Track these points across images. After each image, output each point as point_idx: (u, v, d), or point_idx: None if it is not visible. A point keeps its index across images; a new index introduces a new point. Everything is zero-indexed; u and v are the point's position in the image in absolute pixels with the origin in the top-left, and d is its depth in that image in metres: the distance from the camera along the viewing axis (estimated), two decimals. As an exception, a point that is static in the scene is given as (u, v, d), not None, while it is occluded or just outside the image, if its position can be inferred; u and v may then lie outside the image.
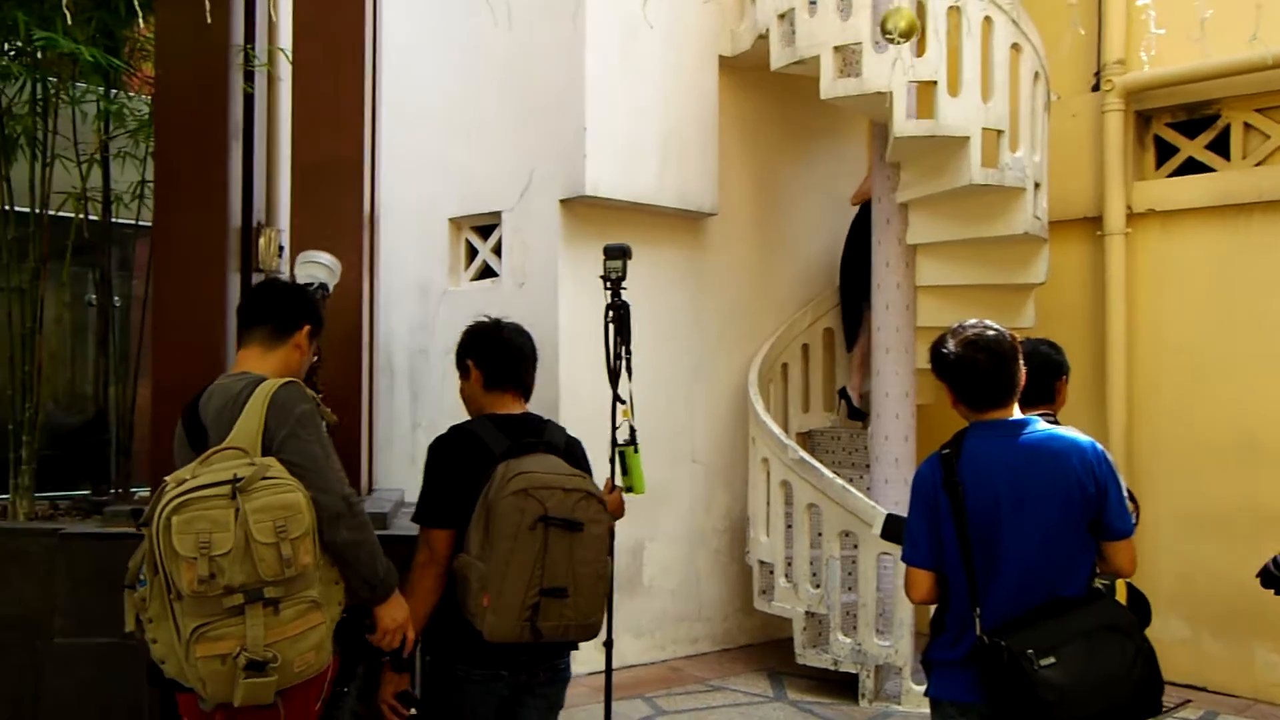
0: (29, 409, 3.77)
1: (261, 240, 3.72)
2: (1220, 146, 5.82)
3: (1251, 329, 5.44)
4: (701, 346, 6.08)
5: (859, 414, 6.36)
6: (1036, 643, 2.31)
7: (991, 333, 2.52)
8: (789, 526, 5.49)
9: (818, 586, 5.32)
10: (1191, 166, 5.90)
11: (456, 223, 6.14)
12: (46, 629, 3.27)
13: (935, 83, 5.11)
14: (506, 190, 5.75)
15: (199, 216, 3.51)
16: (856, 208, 6.32)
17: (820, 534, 5.28)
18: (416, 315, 6.31)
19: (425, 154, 6.23)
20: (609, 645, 3.71)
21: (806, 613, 5.32)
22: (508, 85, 5.78)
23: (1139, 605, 2.82)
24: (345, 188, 4.20)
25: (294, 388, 2.35)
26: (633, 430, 3.53)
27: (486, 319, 2.95)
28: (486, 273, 6.08)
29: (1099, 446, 2.51)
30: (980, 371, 2.49)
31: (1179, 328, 5.73)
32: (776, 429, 5.51)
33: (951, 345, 2.53)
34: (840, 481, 5.16)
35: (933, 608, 2.61)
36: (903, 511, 5.09)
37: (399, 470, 6.40)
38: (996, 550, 2.41)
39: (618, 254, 3.81)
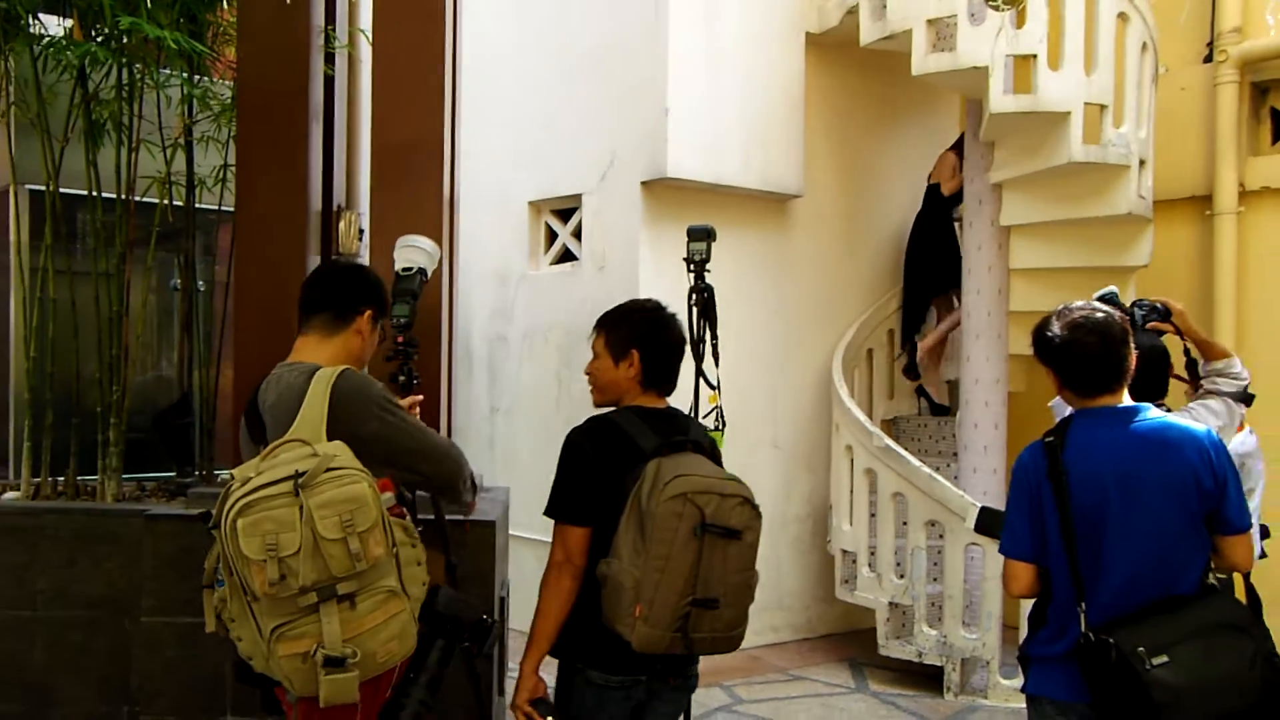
0: (116, 392, 3.81)
1: (341, 224, 3.70)
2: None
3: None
4: (784, 331, 5.95)
5: (942, 409, 6.16)
6: (1148, 640, 2.17)
7: (1100, 314, 2.38)
8: (873, 515, 5.34)
9: (902, 577, 5.17)
10: (1313, 142, 5.56)
11: (536, 206, 6.11)
12: (134, 608, 3.32)
13: (1035, 56, 4.87)
14: (587, 173, 5.69)
15: (280, 200, 3.49)
16: (934, 191, 6.11)
17: (905, 523, 5.12)
18: (495, 300, 6.31)
19: (504, 137, 6.21)
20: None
21: (890, 603, 5.17)
22: (589, 67, 5.71)
23: (1253, 604, 2.64)
24: (425, 171, 4.17)
25: (354, 373, 2.26)
26: (720, 413, 3.46)
27: (649, 303, 2.62)
28: (566, 256, 6.04)
29: (1216, 435, 2.35)
30: (1088, 356, 2.35)
31: (1295, 314, 5.41)
32: (861, 416, 5.36)
33: (1057, 328, 2.40)
34: (927, 470, 5.00)
35: (1029, 601, 2.49)
36: (992, 502, 4.98)
37: (477, 457, 6.42)
38: (1103, 543, 2.29)
39: (702, 235, 3.72)
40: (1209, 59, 5.71)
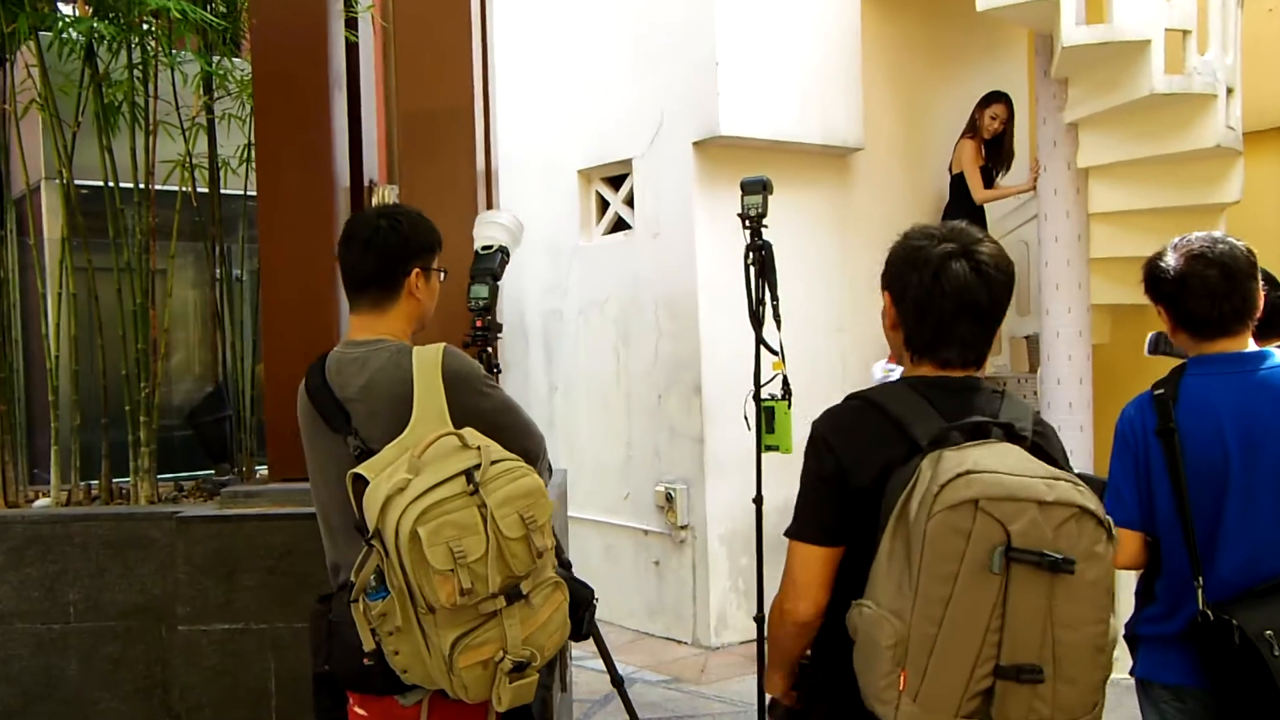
0: (145, 388, 3.62)
1: (374, 199, 3.51)
2: None
3: None
4: (848, 292, 5.70)
5: None
6: (1277, 622, 1.93)
7: (1224, 245, 2.09)
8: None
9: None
10: None
11: (586, 174, 5.91)
12: (170, 616, 3.14)
13: (1107, -17, 4.56)
14: (636, 136, 5.47)
15: (303, 176, 3.27)
16: (959, 181, 5.77)
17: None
18: (548, 275, 6.13)
19: (549, 104, 6.02)
20: (760, 620, 3.47)
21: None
22: (631, 23, 5.49)
23: None
24: (457, 140, 3.96)
25: (457, 352, 2.10)
26: (786, 383, 3.22)
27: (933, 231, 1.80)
28: (619, 226, 5.84)
29: None
30: (1209, 291, 2.07)
31: (1401, 245, 5.05)
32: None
33: (1173, 260, 2.12)
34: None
35: (1137, 573, 2.24)
36: (1079, 464, 4.69)
37: (538, 434, 6.27)
38: (1223, 509, 2.03)
39: (757, 188, 3.49)
40: (1295, -23, 5.35)
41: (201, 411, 4.21)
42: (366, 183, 3.54)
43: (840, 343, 5.65)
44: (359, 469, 1.89)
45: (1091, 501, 1.52)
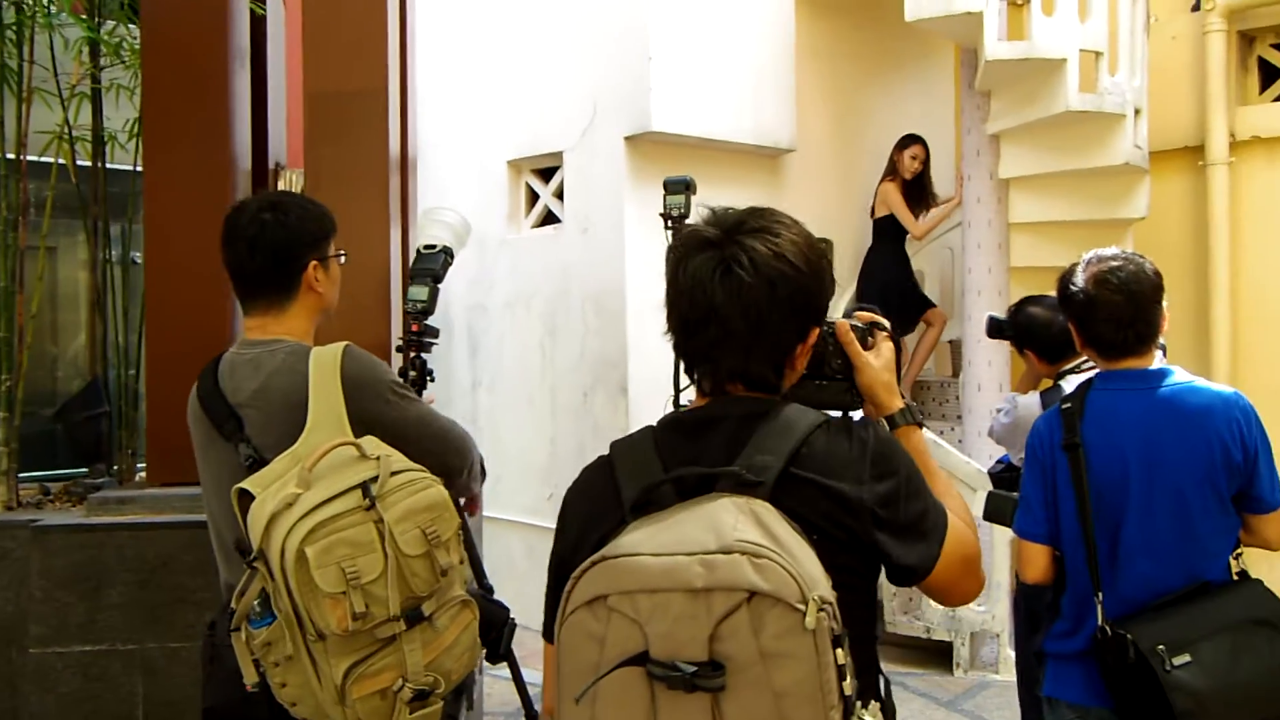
0: (6, 380, 3.32)
1: (280, 183, 3.35)
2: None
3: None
4: (776, 293, 5.74)
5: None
6: (1169, 636, 1.94)
7: (1131, 266, 2.11)
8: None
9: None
10: (1299, 90, 5.51)
11: (515, 165, 5.83)
12: (21, 637, 2.85)
13: (1028, 1, 4.73)
14: (568, 129, 5.43)
15: (198, 155, 3.04)
16: (882, 225, 5.81)
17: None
18: (474, 267, 6.02)
19: (480, 92, 5.92)
20: None
21: (899, 574, 5.00)
22: (566, 13, 5.44)
23: None
24: (369, 123, 3.78)
25: (358, 353, 1.94)
26: None
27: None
28: (549, 219, 5.78)
29: (1247, 402, 2.11)
30: (1114, 317, 2.10)
31: (1290, 262, 5.35)
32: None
33: (1081, 279, 2.14)
34: (931, 435, 4.84)
35: (1047, 589, 2.25)
36: (999, 465, 4.83)
37: (459, 430, 6.15)
38: (1122, 524, 2.06)
39: (680, 187, 3.45)
40: (1196, 7, 5.63)
41: (75, 407, 3.88)
42: (272, 165, 3.37)
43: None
44: (244, 484, 1.73)
45: (778, 581, 1.10)
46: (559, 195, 5.62)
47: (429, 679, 1.72)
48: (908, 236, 5.80)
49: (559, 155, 5.52)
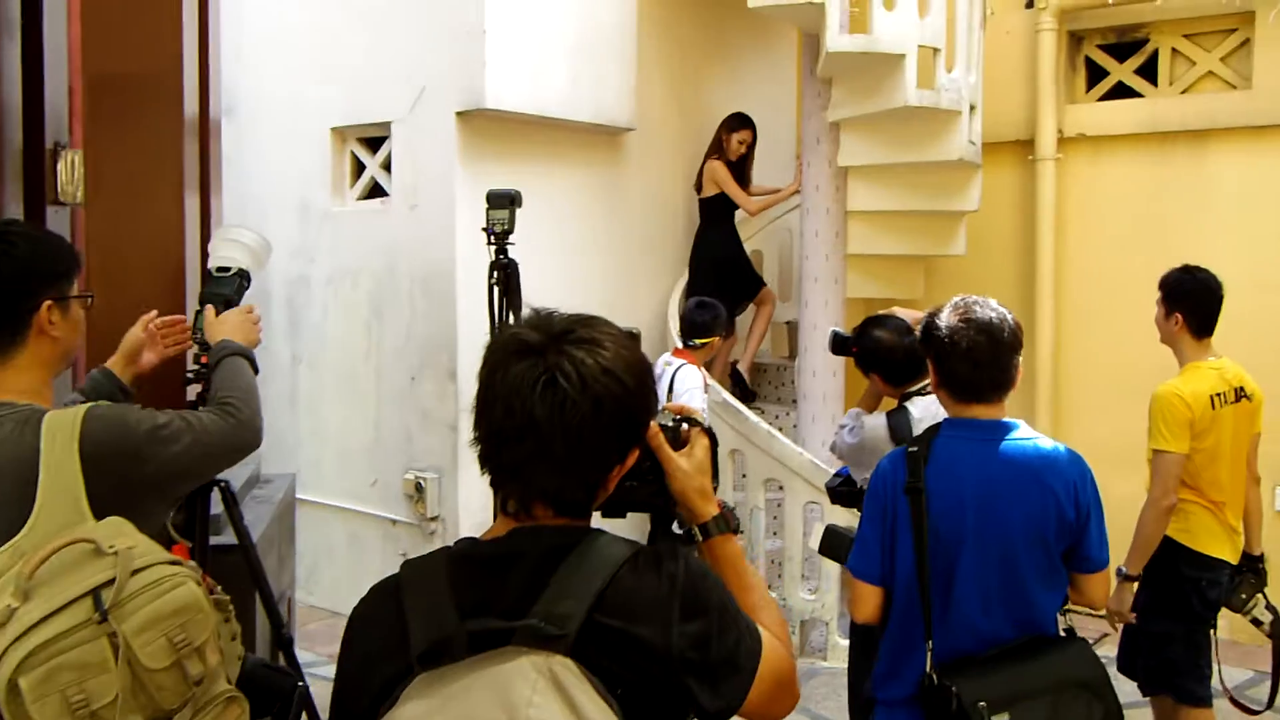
0: None
1: (61, 165, 2.96)
2: (1149, 72, 5.62)
3: (1177, 258, 5.23)
4: (617, 275, 5.61)
5: (750, 395, 5.87)
6: (992, 694, 1.97)
7: (992, 314, 2.15)
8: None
9: (742, 533, 5.01)
10: (1121, 91, 5.69)
11: (340, 133, 5.45)
12: None
13: (870, -6, 4.68)
14: (397, 99, 5.09)
15: None
16: (709, 205, 5.72)
17: (744, 476, 4.97)
18: (295, 237, 5.63)
19: (301, 50, 5.48)
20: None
21: (729, 564, 5.02)
22: (397, -23, 5.07)
23: None
24: (159, 101, 3.39)
25: (102, 413, 1.68)
26: None
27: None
28: (376, 191, 5.44)
29: (1085, 464, 2.17)
30: (973, 357, 2.11)
31: (1108, 256, 5.58)
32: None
33: (946, 319, 2.16)
34: (766, 426, 4.84)
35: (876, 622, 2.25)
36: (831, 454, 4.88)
37: (277, 410, 5.79)
38: (956, 572, 2.07)
39: (504, 202, 3.25)
40: (1030, 4, 5.72)
41: None
42: (50, 144, 2.98)
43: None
44: None
45: None
46: (386, 167, 5.29)
47: None
48: (738, 214, 5.73)
49: (387, 126, 5.17)
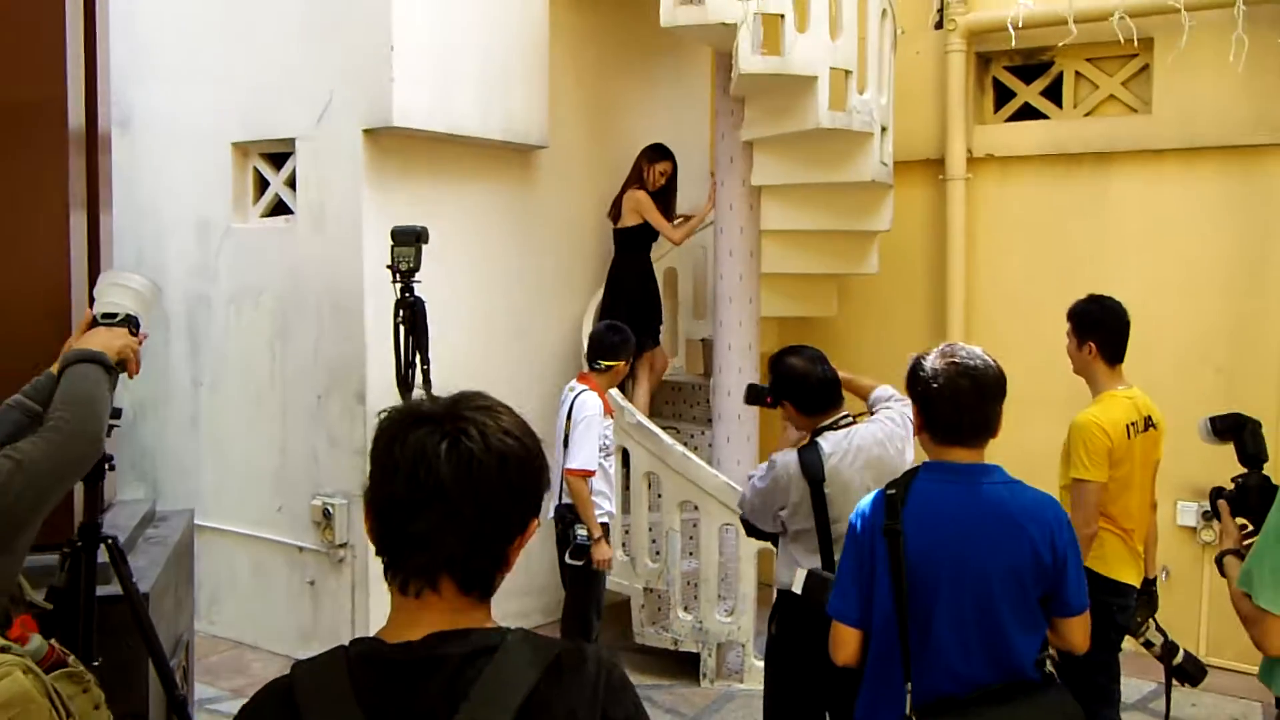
0: None
1: None
2: (1055, 94, 5.74)
3: (1081, 277, 5.37)
4: (529, 295, 5.52)
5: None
6: None
7: (981, 364, 2.20)
8: (626, 490, 5.11)
9: (658, 555, 4.98)
10: (1027, 113, 5.80)
11: (242, 148, 5.27)
12: None
13: (782, 16, 4.67)
14: (302, 114, 4.93)
15: None
16: (625, 236, 5.60)
17: (660, 497, 4.93)
18: (195, 255, 5.44)
19: (200, 62, 5.29)
20: None
21: (645, 589, 4.97)
22: (300, -12, 4.91)
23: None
24: (41, 131, 3.25)
25: None
26: None
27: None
28: (280, 208, 5.28)
29: (1061, 509, 2.22)
30: (957, 401, 2.16)
31: (1015, 274, 5.69)
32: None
33: (933, 363, 2.21)
34: (680, 449, 4.81)
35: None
36: (746, 469, 4.88)
37: (177, 434, 5.60)
38: (933, 614, 2.11)
39: (410, 238, 3.16)
40: (940, 25, 5.79)
41: None
42: None
43: (521, 348, 5.47)
44: None
45: None
46: (290, 184, 5.13)
47: None
48: (655, 244, 5.68)
49: (291, 142, 5.02)
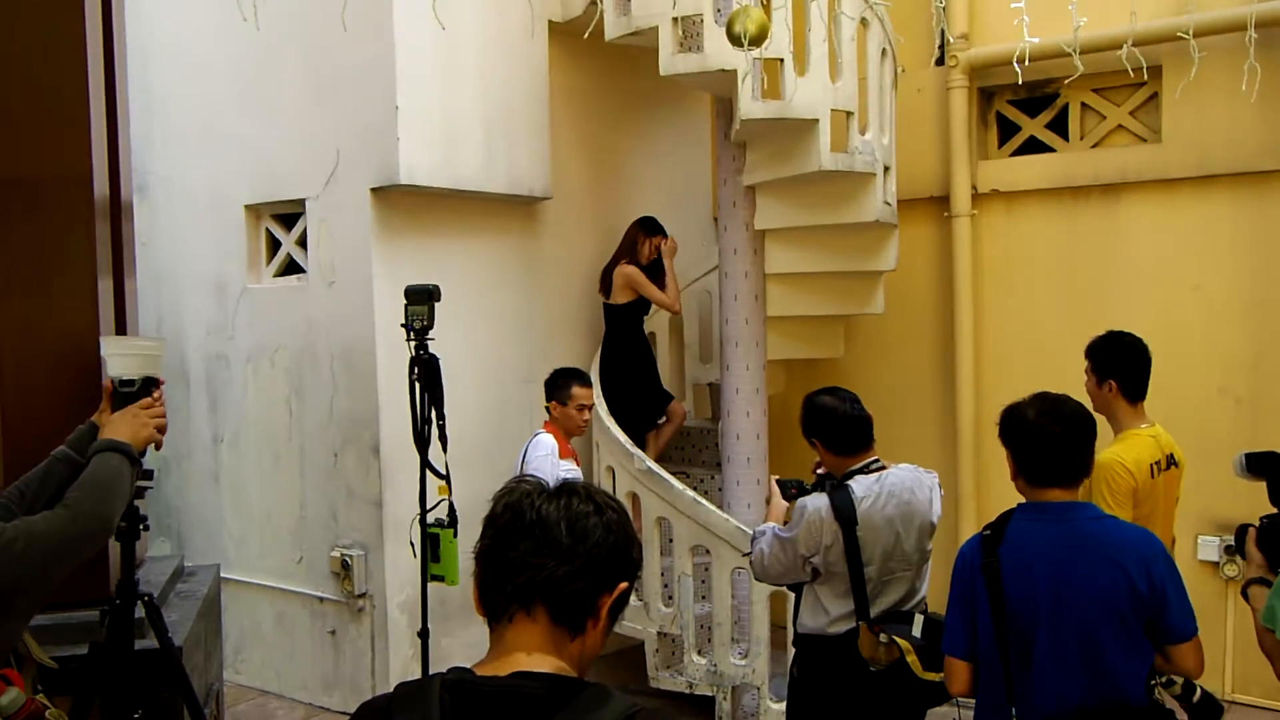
0: None
1: None
2: (1060, 126, 5.73)
3: (1093, 312, 5.37)
4: (536, 344, 5.59)
5: None
6: None
7: (1072, 406, 2.36)
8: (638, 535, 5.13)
9: (670, 600, 4.99)
10: (1032, 146, 5.79)
11: (254, 210, 5.40)
12: None
13: (781, 61, 4.72)
14: (311, 175, 5.06)
15: None
16: (617, 312, 5.55)
17: (671, 540, 4.94)
18: (212, 315, 5.56)
19: (212, 128, 5.44)
20: (424, 635, 3.34)
21: (659, 633, 4.98)
22: (305, 53, 5.04)
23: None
24: (64, 187, 3.40)
25: None
26: (452, 510, 3.04)
27: None
28: (292, 268, 5.39)
29: (1158, 542, 2.34)
30: (1052, 444, 2.32)
31: (1025, 310, 5.66)
32: (622, 436, 5.10)
33: (1028, 411, 2.36)
34: (691, 493, 4.82)
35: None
36: (755, 512, 4.88)
37: (199, 490, 5.70)
38: (1034, 642, 2.26)
39: (422, 297, 3.27)
40: (941, 61, 5.82)
41: None
42: None
43: (530, 393, 5.52)
44: None
45: None
46: (302, 244, 5.25)
47: None
48: (648, 317, 5.68)
49: (301, 203, 5.14)
